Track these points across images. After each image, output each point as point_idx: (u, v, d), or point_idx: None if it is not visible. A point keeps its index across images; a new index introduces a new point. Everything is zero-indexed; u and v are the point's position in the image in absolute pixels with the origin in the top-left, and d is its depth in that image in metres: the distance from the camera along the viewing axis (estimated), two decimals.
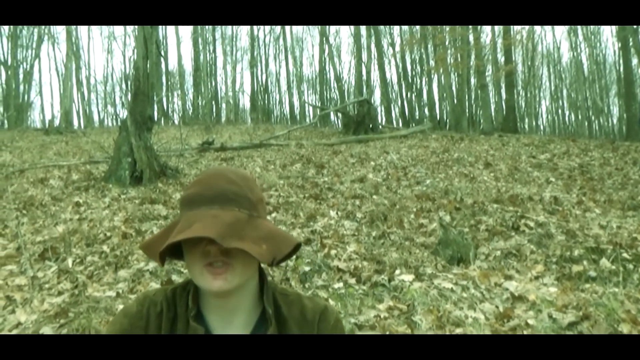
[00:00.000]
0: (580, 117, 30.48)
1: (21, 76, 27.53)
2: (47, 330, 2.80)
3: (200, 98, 30.19)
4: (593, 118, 31.10)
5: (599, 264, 3.72)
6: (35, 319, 3.00)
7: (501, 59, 22.98)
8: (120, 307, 3.08)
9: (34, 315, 3.07)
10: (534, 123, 33.01)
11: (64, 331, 2.77)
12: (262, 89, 34.68)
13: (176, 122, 26.83)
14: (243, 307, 1.02)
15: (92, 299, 3.23)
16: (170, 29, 29.36)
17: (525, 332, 2.74)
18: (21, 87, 27.32)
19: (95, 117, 34.42)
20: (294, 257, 3.82)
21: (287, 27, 30.80)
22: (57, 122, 20.59)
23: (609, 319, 2.74)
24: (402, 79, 28.83)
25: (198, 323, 0.99)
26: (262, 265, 1.05)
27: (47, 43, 30.89)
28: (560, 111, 36.63)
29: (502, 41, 18.64)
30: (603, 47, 32.59)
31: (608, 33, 32.29)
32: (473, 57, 18.37)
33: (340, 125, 17.64)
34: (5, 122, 23.66)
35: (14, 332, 2.89)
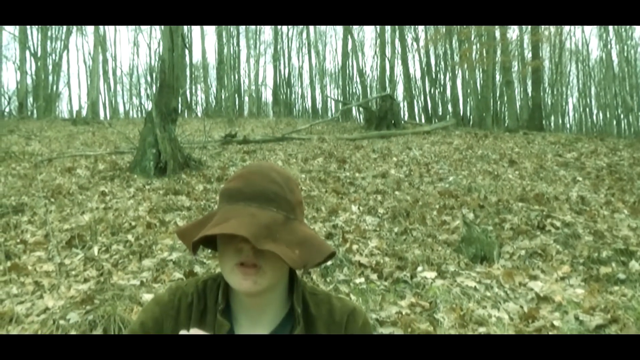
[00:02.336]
0: (608, 115, 29.73)
1: (50, 67, 28.13)
2: (73, 316, 2.85)
3: (223, 91, 30.40)
4: (622, 116, 30.34)
5: (628, 266, 3.63)
6: (62, 305, 3.06)
7: (528, 55, 22.60)
8: (145, 295, 3.13)
9: (61, 301, 3.13)
10: (560, 121, 32.40)
11: (90, 317, 2.82)
12: (284, 82, 34.76)
13: (199, 114, 27.09)
14: (272, 305, 1.02)
15: (117, 286, 3.28)
16: None
17: (550, 334, 2.69)
18: (50, 78, 27.92)
19: (121, 109, 34.99)
20: None
21: None
22: (84, 112, 20.99)
23: (639, 323, 2.68)
24: (425, 75, 28.54)
25: (226, 318, 0.99)
26: None
27: (76, 35, 31.46)
28: (587, 109, 35.86)
29: (529, 37, 18.28)
30: (634, 44, 31.65)
31: None
32: (499, 52, 18.04)
33: (362, 121, 17.58)
34: (35, 112, 24.20)
35: (42, 317, 2.95)
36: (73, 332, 2.68)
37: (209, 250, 4.03)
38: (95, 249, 4.12)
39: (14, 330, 2.79)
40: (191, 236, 0.94)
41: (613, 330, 2.66)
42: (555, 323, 2.80)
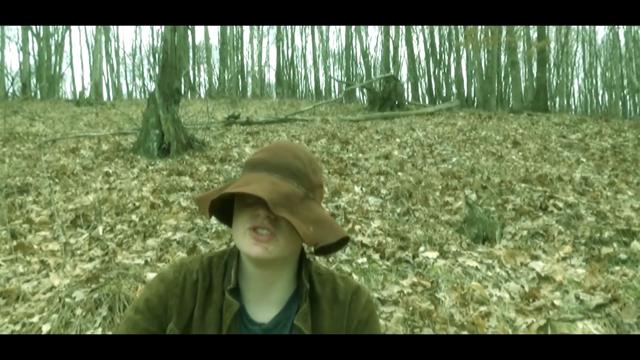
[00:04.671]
0: (614, 96, 29.47)
1: (53, 48, 27.99)
2: (79, 294, 2.89)
3: (226, 72, 30.21)
4: (628, 97, 30.06)
5: (629, 247, 3.63)
6: (67, 283, 3.10)
7: (534, 35, 22.29)
8: (149, 274, 3.16)
9: (67, 280, 3.17)
10: (565, 102, 32.09)
11: (95, 296, 2.86)
12: (287, 63, 34.50)
13: (202, 95, 26.98)
14: (280, 283, 1.02)
15: (122, 265, 3.32)
16: None
17: (551, 313, 2.71)
18: (53, 58, 27.80)
19: (124, 89, 34.90)
20: None
21: None
22: (87, 93, 20.92)
23: (639, 302, 2.69)
24: (430, 55, 28.28)
25: (234, 296, 0.99)
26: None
27: None
28: (593, 90, 35.51)
29: None
30: None
31: None
32: (504, 32, 17.81)
33: (365, 102, 17.48)
34: (38, 93, 24.16)
35: (48, 295, 2.99)
36: (79, 310, 2.72)
37: (212, 230, 4.07)
38: (100, 229, 4.16)
39: (21, 307, 2.83)
40: (208, 201, 0.94)
41: (613, 309, 2.68)
42: (556, 302, 2.82)
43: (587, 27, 33.64)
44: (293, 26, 34.62)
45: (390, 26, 24.03)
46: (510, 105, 18.53)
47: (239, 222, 0.95)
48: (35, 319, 2.69)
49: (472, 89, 27.49)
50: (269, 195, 0.87)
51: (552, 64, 29.31)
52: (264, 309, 1.02)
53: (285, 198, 0.89)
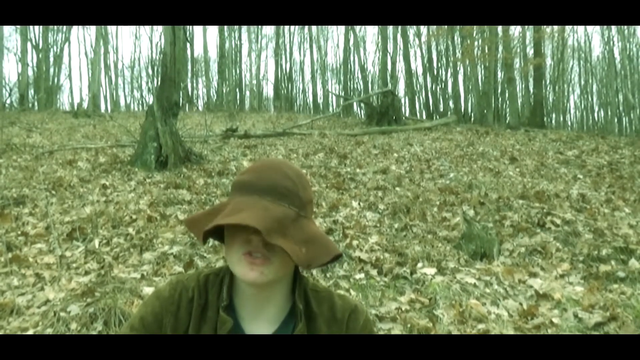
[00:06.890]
0: (610, 113, 29.69)
1: (52, 59, 28.08)
2: (74, 308, 2.86)
3: (224, 85, 30.33)
4: (624, 114, 30.30)
5: (627, 264, 3.63)
6: (63, 297, 3.07)
7: (530, 51, 22.54)
8: (145, 288, 3.14)
9: (62, 293, 3.14)
10: (561, 118, 32.32)
11: (90, 310, 2.83)
12: (286, 77, 34.66)
13: (200, 108, 27.05)
14: (274, 301, 1.02)
15: (118, 279, 3.29)
16: None
17: (549, 331, 2.70)
18: (51, 70, 27.89)
19: (122, 102, 34.91)
20: None
21: None
22: (85, 105, 20.95)
23: (638, 321, 2.69)
24: (427, 71, 28.49)
25: (228, 314, 0.99)
26: None
27: (78, 27, 31.38)
28: (589, 107, 35.77)
29: (532, 34, 18.21)
30: (637, 40, 31.49)
31: None
32: (501, 49, 17.95)
33: (363, 116, 17.56)
34: (36, 104, 24.17)
35: (43, 308, 2.96)
36: (74, 324, 2.69)
37: (210, 244, 4.04)
38: (96, 242, 4.13)
39: (15, 321, 2.80)
40: (201, 225, 0.94)
41: (612, 327, 2.67)
42: (554, 320, 2.81)
43: (583, 44, 34.05)
44: (291, 40, 34.90)
45: (388, 42, 24.27)
46: (507, 121, 18.66)
47: (232, 248, 0.95)
48: (29, 333, 2.66)
49: (469, 104, 27.71)
50: (263, 224, 0.86)
51: (548, 81, 29.57)
52: (259, 326, 1.01)
53: (277, 223, 0.89)
